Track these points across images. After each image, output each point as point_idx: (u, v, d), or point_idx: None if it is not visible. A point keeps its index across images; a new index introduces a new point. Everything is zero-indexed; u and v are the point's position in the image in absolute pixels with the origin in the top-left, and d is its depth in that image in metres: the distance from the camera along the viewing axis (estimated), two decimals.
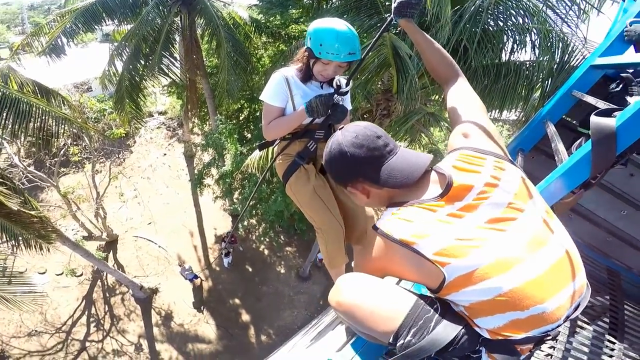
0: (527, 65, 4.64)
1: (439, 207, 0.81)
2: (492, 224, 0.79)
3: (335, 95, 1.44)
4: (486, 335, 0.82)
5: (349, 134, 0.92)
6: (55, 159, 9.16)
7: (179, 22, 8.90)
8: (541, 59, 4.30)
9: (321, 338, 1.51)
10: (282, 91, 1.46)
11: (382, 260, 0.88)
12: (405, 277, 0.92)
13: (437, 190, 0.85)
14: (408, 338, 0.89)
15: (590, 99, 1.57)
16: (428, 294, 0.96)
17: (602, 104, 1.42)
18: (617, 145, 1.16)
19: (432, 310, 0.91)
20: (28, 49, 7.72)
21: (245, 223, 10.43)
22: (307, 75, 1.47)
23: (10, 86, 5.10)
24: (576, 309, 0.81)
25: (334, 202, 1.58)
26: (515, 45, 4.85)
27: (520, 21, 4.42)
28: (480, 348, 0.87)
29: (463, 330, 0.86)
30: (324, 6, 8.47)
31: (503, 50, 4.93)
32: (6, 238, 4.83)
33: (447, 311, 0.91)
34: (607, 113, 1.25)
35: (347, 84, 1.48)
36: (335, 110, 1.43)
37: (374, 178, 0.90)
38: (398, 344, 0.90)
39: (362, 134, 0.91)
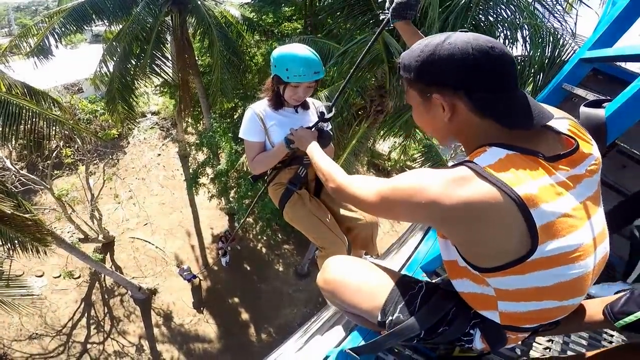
0: (519, 60, 4.70)
1: (556, 170, 0.67)
2: (588, 204, 0.69)
3: (320, 123, 1.47)
4: (497, 319, 0.77)
5: (484, 41, 0.68)
6: (48, 162, 9.06)
7: (170, 21, 8.79)
8: (532, 53, 4.35)
9: (320, 334, 1.55)
10: (256, 126, 1.49)
11: (464, 208, 0.62)
12: (479, 243, 0.68)
13: (554, 148, 0.70)
14: (396, 314, 0.88)
15: (580, 92, 1.60)
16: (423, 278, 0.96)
17: (591, 96, 1.45)
18: (607, 136, 1.20)
19: (416, 288, 0.91)
20: (16, 51, 7.59)
21: (242, 221, 10.43)
22: (278, 103, 1.51)
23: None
24: None
25: (333, 221, 1.58)
26: (506, 41, 4.92)
27: (510, 15, 4.48)
28: (472, 331, 0.85)
29: (454, 309, 0.84)
30: (317, 4, 8.45)
31: None
32: (2, 242, 4.79)
33: (434, 291, 0.91)
34: (597, 104, 1.28)
35: (329, 111, 1.49)
36: (321, 137, 1.42)
37: (491, 104, 0.69)
38: (387, 321, 0.90)
39: (499, 50, 0.67)
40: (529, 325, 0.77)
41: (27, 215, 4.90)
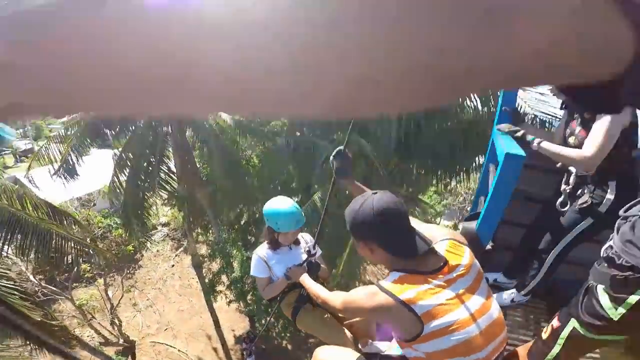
0: (473, 122, 5.87)
1: (432, 279, 1.12)
2: (462, 294, 1.12)
3: (309, 258, 1.96)
4: None
5: (383, 203, 1.15)
6: (67, 274, 9.36)
7: (169, 130, 9.12)
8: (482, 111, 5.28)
9: None
10: (262, 266, 2.01)
11: (375, 310, 1.14)
12: (390, 323, 1.22)
13: (434, 265, 1.15)
14: None
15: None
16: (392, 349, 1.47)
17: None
18: (480, 241, 1.75)
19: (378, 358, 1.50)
20: (38, 163, 8.20)
21: (263, 321, 10.32)
22: (276, 245, 2.02)
23: (26, 208, 5.44)
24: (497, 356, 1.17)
25: (334, 321, 2.02)
26: (458, 109, 6.01)
27: None
28: None
29: None
30: None
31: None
32: (34, 345, 4.98)
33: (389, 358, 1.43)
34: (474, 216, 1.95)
35: (314, 247, 1.98)
36: (311, 268, 1.92)
37: (390, 247, 1.17)
38: None
39: (393, 209, 1.15)
40: None
41: (54, 322, 5.22)
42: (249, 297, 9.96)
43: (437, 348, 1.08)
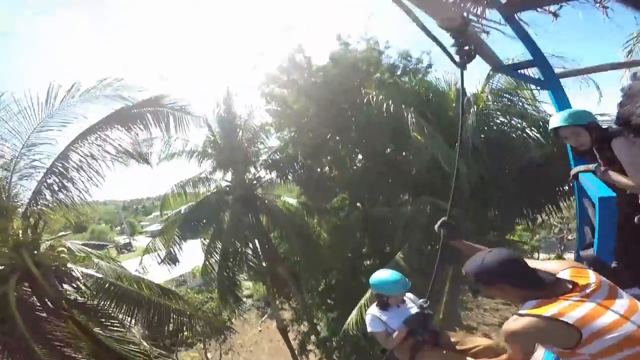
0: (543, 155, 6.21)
1: (569, 298, 1.24)
2: (603, 303, 1.21)
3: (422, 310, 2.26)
4: None
5: (500, 252, 1.39)
6: (169, 340, 10.95)
7: (250, 220, 10.72)
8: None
9: None
10: (377, 322, 2.30)
11: (520, 333, 1.26)
12: (547, 343, 1.30)
13: (564, 289, 1.27)
14: None
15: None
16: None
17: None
18: (601, 265, 1.87)
19: None
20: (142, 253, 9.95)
21: None
22: (386, 305, 2.33)
23: (143, 289, 6.46)
24: None
25: (455, 354, 2.19)
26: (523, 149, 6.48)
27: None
28: None
29: None
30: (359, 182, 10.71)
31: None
32: None
33: None
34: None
35: (426, 302, 2.29)
36: (427, 318, 2.23)
37: (518, 282, 1.33)
38: None
39: (510, 254, 1.38)
40: None
41: None
42: (334, 355, 10.98)
43: (600, 347, 1.14)
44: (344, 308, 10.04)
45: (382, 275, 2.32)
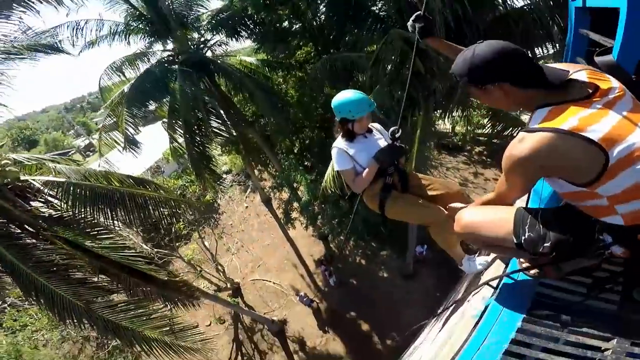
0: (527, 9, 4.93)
1: (590, 105, 0.92)
2: (630, 116, 0.90)
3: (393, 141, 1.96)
4: (621, 222, 0.94)
5: (497, 42, 1.01)
6: (167, 237, 11.38)
7: (206, 86, 9.63)
8: None
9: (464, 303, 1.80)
10: (345, 158, 1.99)
11: (541, 158, 0.92)
12: (563, 169, 0.95)
13: (582, 92, 0.95)
14: (527, 234, 1.11)
15: (595, 36, 1.57)
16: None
17: (605, 40, 1.48)
18: (623, 71, 1.29)
19: (533, 212, 1.16)
20: (107, 148, 8.88)
21: (336, 242, 11.16)
22: (352, 135, 2.00)
23: (112, 183, 5.66)
24: None
25: (426, 201, 1.96)
26: None
27: None
28: (602, 236, 1.00)
29: (575, 218, 1.02)
30: (319, 23, 9.02)
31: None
32: (166, 303, 6.02)
33: (551, 211, 1.15)
34: (606, 51, 1.38)
35: (398, 131, 1.96)
36: (399, 151, 1.96)
37: (524, 79, 1.00)
38: (522, 241, 1.13)
39: (509, 44, 1.01)
40: None
41: (177, 279, 6.24)
42: (318, 221, 10.83)
43: (625, 184, 0.87)
44: (321, 168, 9.48)
45: (345, 95, 1.94)
